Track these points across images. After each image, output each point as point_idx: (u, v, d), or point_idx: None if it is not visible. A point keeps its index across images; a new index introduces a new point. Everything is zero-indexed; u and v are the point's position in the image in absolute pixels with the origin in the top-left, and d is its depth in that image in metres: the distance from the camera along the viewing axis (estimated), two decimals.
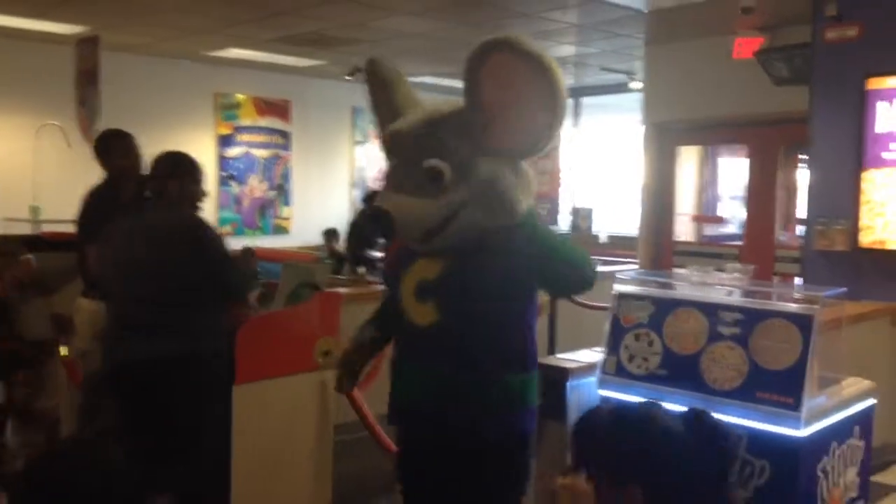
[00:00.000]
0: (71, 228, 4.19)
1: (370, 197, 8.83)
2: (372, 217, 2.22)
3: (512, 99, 2.11)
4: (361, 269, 5.74)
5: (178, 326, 3.15)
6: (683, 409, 1.89)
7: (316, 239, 9.30)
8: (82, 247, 3.98)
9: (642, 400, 1.79)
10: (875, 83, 4.82)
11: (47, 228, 5.72)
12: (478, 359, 2.23)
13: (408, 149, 2.23)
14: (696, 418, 1.48)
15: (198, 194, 3.37)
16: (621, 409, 1.53)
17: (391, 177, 2.27)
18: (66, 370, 4.27)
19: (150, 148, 4.14)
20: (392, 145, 2.30)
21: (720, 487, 1.52)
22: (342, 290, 5.23)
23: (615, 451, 1.45)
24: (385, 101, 2.43)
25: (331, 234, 9.19)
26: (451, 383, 2.24)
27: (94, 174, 4.25)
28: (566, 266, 2.21)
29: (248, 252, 3.41)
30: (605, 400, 2.91)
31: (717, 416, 2.65)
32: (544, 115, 2.11)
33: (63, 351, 4.22)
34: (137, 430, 3.21)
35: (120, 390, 3.31)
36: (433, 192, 2.15)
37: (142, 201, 3.56)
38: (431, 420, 2.30)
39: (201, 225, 3.29)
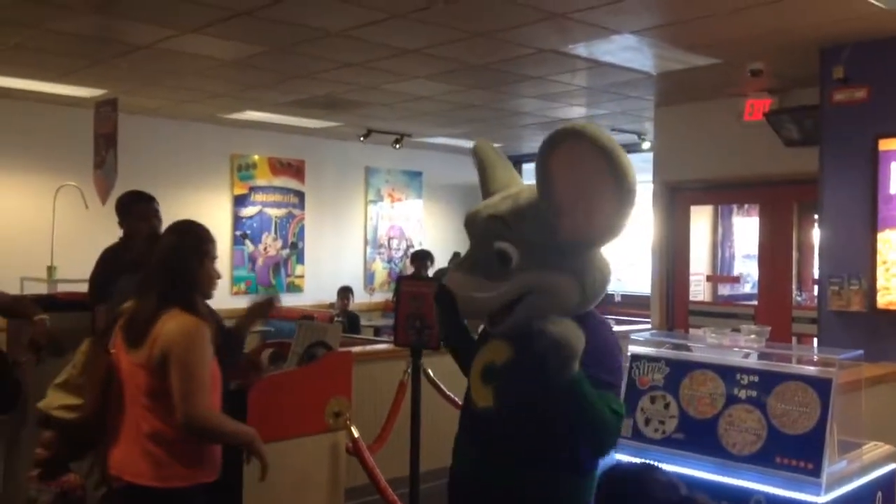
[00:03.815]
0: (85, 288, 4.22)
1: (417, 256, 8.82)
2: (436, 295, 2.25)
3: (582, 190, 2.08)
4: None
5: None
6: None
7: (330, 297, 9.29)
8: (93, 306, 4.00)
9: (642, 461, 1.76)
10: (887, 144, 4.84)
11: (63, 288, 5.75)
12: (526, 451, 2.16)
13: (481, 231, 2.24)
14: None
15: None
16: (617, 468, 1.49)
17: (466, 257, 2.28)
18: None
19: (167, 209, 4.20)
20: (469, 226, 2.31)
21: None
22: (355, 349, 5.22)
23: None
24: (484, 183, 2.46)
25: (345, 291, 9.18)
26: (500, 472, 2.18)
27: (110, 235, 4.29)
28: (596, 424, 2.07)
29: None
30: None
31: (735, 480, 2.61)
32: (614, 206, 2.06)
33: None
34: None
35: None
36: (500, 276, 2.14)
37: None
38: (481, 501, 2.24)
39: None
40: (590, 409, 2.04)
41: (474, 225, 2.28)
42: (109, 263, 4.06)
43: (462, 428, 2.37)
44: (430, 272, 8.46)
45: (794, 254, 6.66)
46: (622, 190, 2.02)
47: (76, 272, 4.75)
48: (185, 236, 2.73)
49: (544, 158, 2.10)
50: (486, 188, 2.43)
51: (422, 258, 8.68)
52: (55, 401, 2.69)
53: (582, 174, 2.06)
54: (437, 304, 2.34)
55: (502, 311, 2.16)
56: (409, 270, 9.24)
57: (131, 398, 2.62)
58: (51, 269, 6.60)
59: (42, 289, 6.14)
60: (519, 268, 2.14)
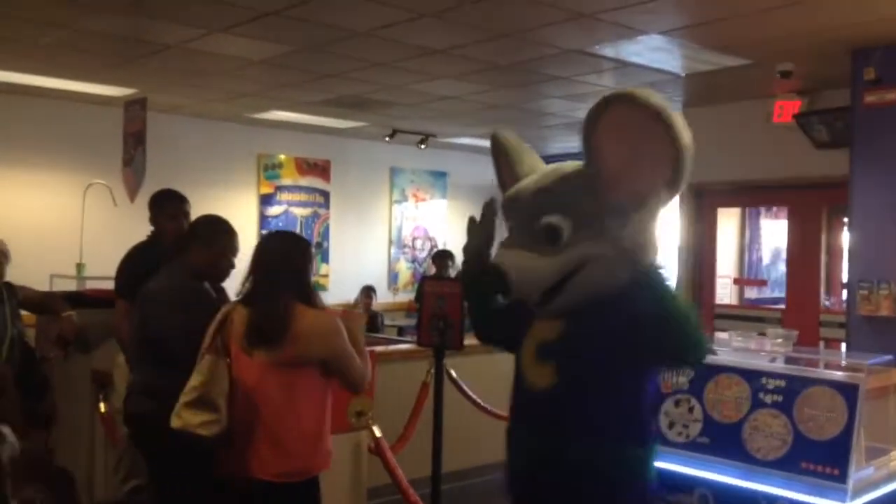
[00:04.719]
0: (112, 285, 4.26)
1: (439, 256, 8.84)
2: (487, 275, 2.14)
3: (632, 153, 2.04)
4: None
5: (156, 388, 3.03)
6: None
7: (354, 296, 9.32)
8: (116, 297, 4.06)
9: None
10: None
11: (91, 285, 5.82)
12: (594, 426, 2.11)
13: (525, 208, 2.17)
14: None
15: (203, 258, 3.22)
16: None
17: (507, 239, 2.20)
18: (104, 426, 4.30)
19: (194, 207, 4.23)
20: (510, 208, 2.25)
21: None
22: (378, 348, 5.23)
23: None
24: (509, 171, 2.40)
25: (368, 290, 9.20)
26: (566, 452, 2.12)
27: (138, 233, 4.33)
28: (685, 336, 2.03)
29: None
30: None
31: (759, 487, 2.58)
32: (666, 167, 2.02)
33: (101, 407, 4.26)
34: (162, 489, 3.20)
35: (138, 446, 3.34)
36: (552, 251, 2.08)
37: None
38: (544, 491, 2.18)
39: (180, 292, 3.17)
40: (684, 316, 2.02)
41: (516, 205, 2.21)
42: (130, 261, 4.09)
43: (518, 417, 2.29)
44: (452, 272, 8.45)
45: (823, 257, 6.57)
46: (674, 150, 1.99)
47: (105, 269, 4.79)
48: (298, 242, 2.96)
49: (591, 123, 2.06)
50: (515, 172, 2.36)
51: (444, 258, 8.68)
52: (193, 419, 2.69)
53: (634, 138, 2.02)
54: (475, 287, 2.24)
55: (554, 288, 2.09)
56: (432, 270, 9.24)
57: (258, 399, 2.71)
58: (80, 266, 6.67)
59: (71, 285, 6.21)
60: (571, 240, 2.08)
